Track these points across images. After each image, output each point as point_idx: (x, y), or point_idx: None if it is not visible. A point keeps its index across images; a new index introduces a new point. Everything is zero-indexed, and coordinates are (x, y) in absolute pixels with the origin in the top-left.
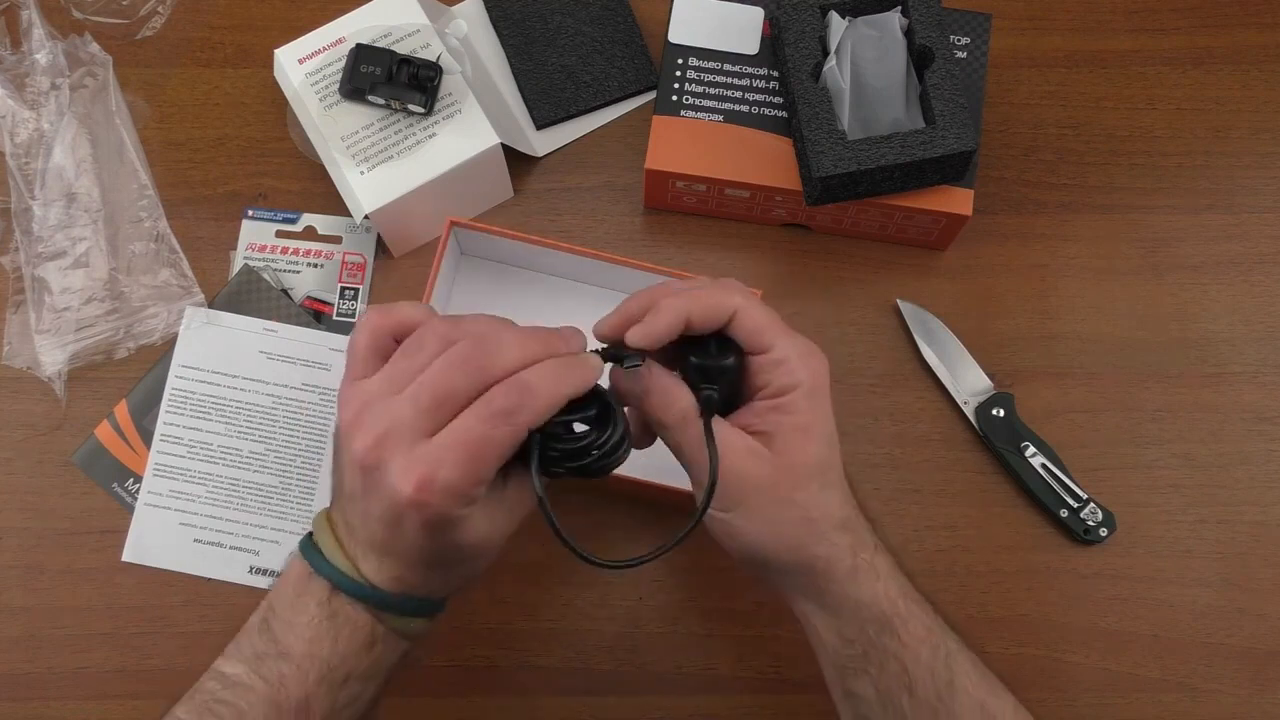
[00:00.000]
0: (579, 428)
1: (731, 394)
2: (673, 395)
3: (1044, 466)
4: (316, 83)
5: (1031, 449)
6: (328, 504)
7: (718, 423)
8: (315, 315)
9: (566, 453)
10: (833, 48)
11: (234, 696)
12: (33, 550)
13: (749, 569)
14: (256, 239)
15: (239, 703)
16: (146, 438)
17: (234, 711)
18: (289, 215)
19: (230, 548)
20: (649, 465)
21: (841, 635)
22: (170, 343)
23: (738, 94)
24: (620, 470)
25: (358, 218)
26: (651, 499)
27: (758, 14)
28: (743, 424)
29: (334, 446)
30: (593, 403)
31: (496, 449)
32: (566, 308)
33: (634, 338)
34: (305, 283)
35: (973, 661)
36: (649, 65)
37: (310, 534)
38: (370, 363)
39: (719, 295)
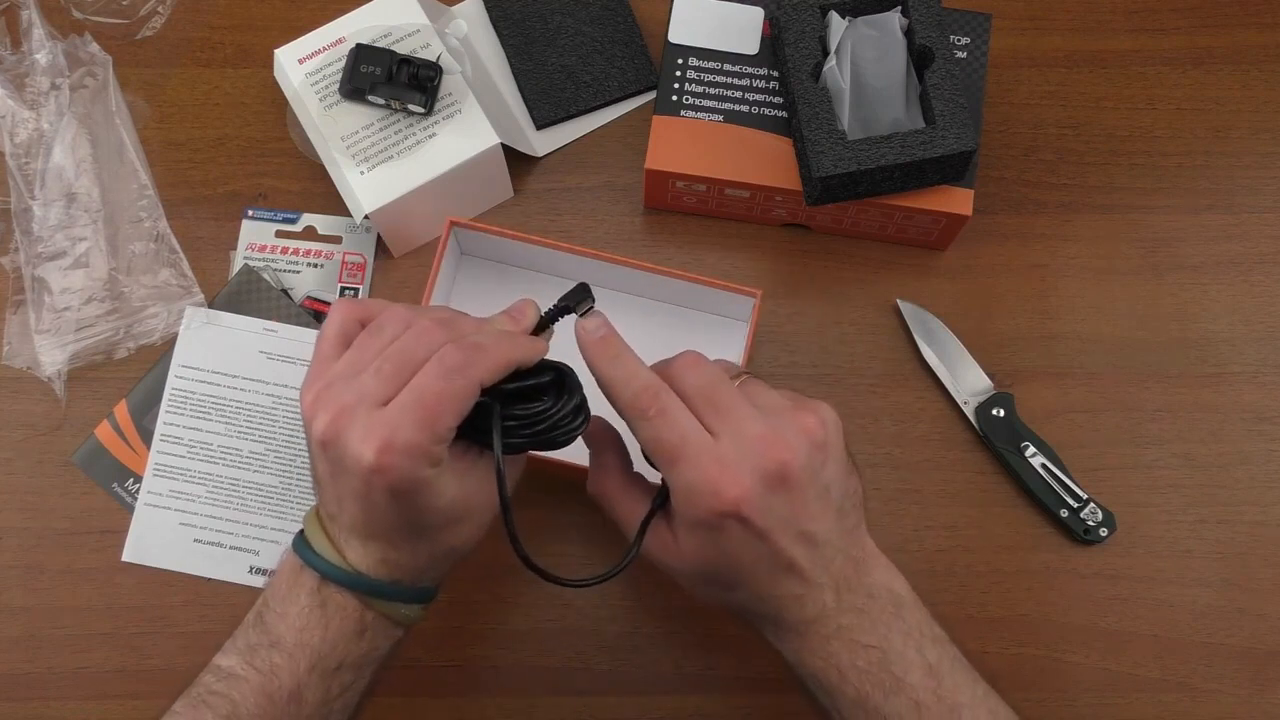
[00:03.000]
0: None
1: None
2: (633, 369)
3: (1044, 466)
4: (316, 83)
5: (1031, 449)
6: None
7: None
8: (315, 315)
9: (524, 419)
10: (833, 48)
11: (227, 688)
12: (33, 550)
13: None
14: (256, 239)
15: (232, 694)
16: (146, 438)
17: (227, 703)
18: (289, 215)
19: (230, 548)
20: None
21: (822, 690)
22: (170, 343)
23: (738, 94)
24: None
25: (358, 218)
26: None
27: (758, 14)
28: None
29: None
30: (550, 373)
31: (451, 403)
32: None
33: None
34: (305, 283)
35: (983, 698)
36: (649, 65)
37: (302, 530)
38: (337, 350)
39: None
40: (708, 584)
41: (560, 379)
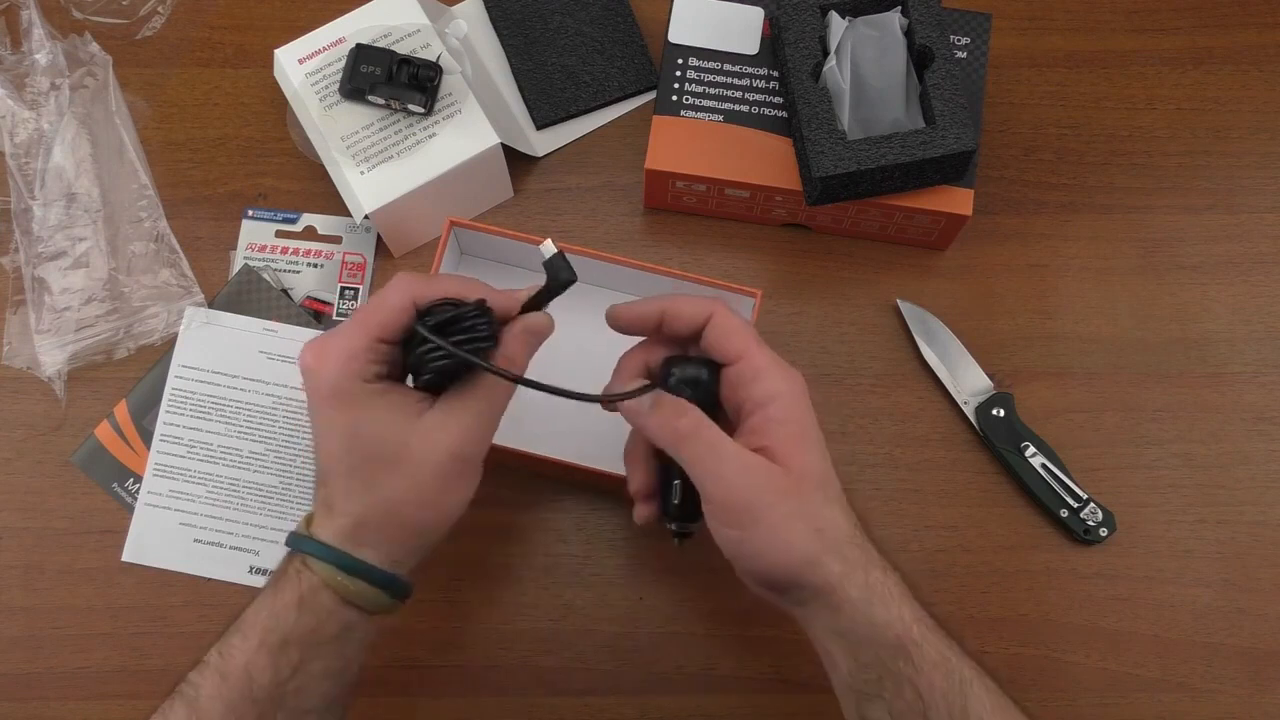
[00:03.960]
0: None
1: (707, 410)
2: (680, 407)
3: (1044, 466)
4: (316, 83)
5: (1031, 449)
6: None
7: (724, 439)
8: (315, 315)
9: (440, 325)
10: (833, 48)
11: (199, 677)
12: (33, 550)
13: (765, 592)
14: (256, 239)
15: (197, 680)
16: (146, 438)
17: (192, 689)
18: (289, 215)
19: (230, 548)
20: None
21: (857, 660)
22: (170, 343)
23: (738, 94)
24: (610, 468)
25: (358, 218)
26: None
27: (758, 14)
28: (742, 444)
29: None
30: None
31: (379, 311)
32: (566, 307)
33: (612, 313)
34: (305, 283)
35: (988, 689)
36: (649, 65)
37: None
38: None
39: (697, 300)
40: (813, 491)
41: (485, 312)
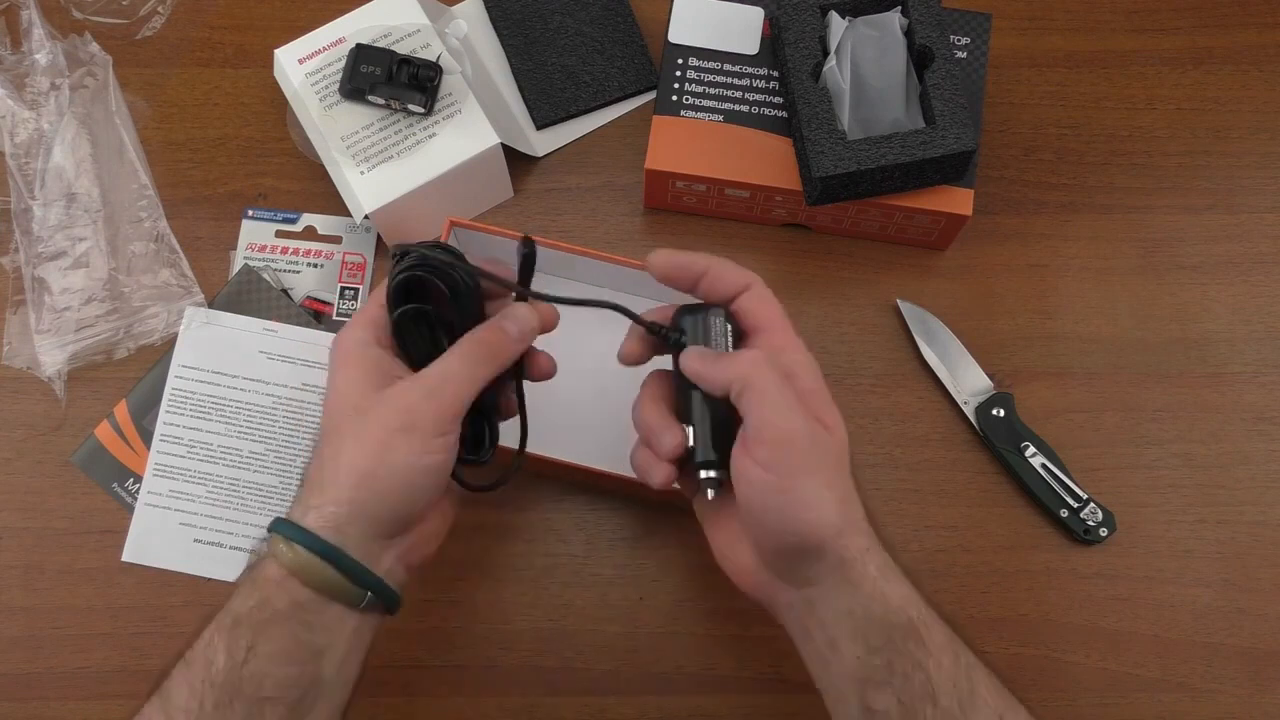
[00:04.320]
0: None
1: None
2: (737, 355)
3: (1044, 466)
4: (316, 83)
5: (1031, 449)
6: None
7: (778, 388)
8: (315, 315)
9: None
10: (833, 48)
11: (173, 666)
12: (33, 550)
13: (771, 553)
14: (256, 239)
15: (171, 670)
16: (146, 438)
17: (167, 680)
18: (289, 215)
19: (230, 548)
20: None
21: (867, 643)
22: (170, 343)
23: (738, 94)
24: (610, 468)
25: (358, 218)
26: (640, 496)
27: (758, 14)
28: None
29: None
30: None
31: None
32: (566, 307)
33: (654, 257)
34: (305, 283)
35: (989, 674)
36: (649, 65)
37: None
38: None
39: (740, 268)
40: (842, 458)
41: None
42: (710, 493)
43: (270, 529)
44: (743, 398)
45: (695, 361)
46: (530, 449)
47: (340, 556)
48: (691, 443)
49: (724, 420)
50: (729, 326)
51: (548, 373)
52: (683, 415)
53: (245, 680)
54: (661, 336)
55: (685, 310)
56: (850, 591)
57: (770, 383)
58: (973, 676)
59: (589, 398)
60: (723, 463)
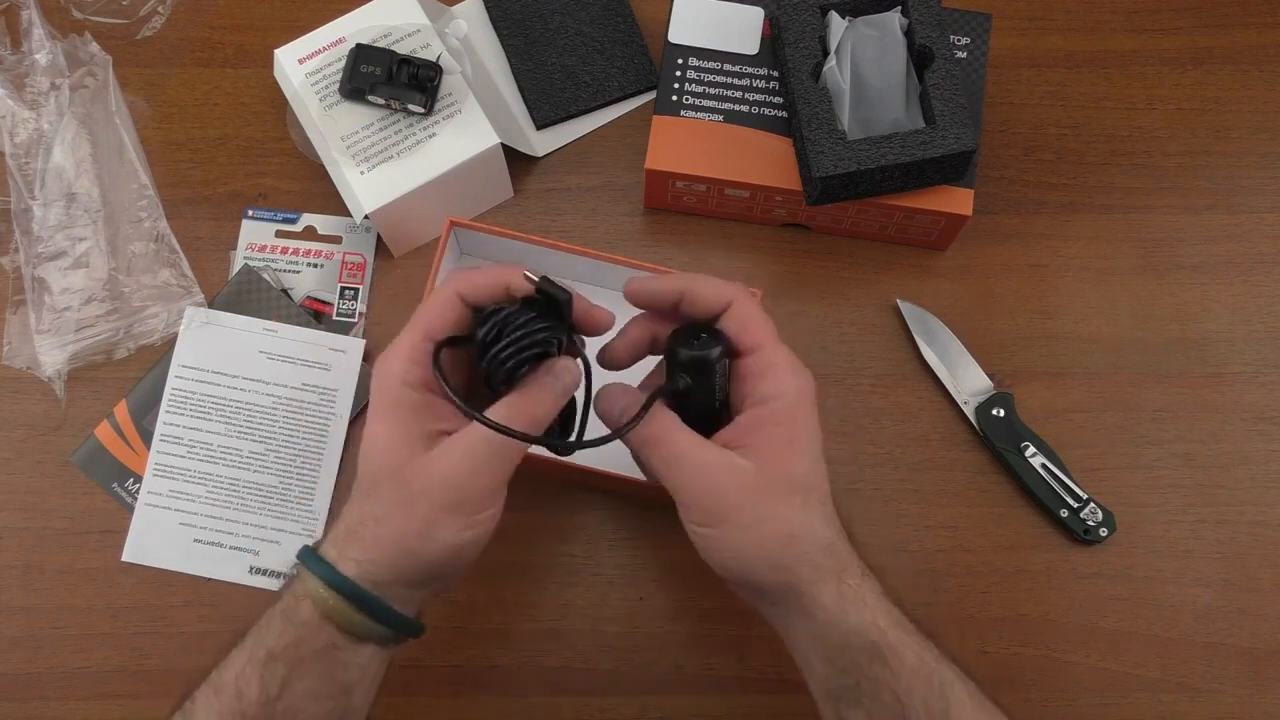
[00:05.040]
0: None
1: (708, 396)
2: (649, 418)
3: (1044, 466)
4: (316, 83)
5: (1031, 449)
6: (326, 505)
7: (697, 441)
8: (315, 315)
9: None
10: (833, 48)
11: (199, 690)
12: (33, 550)
13: (738, 589)
14: (256, 239)
15: (198, 694)
16: (146, 438)
17: (192, 704)
18: (289, 215)
19: (230, 548)
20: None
21: (833, 665)
22: (170, 343)
23: (738, 94)
24: (610, 468)
25: (358, 218)
26: (641, 496)
27: (758, 14)
28: (727, 439)
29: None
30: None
31: (429, 313)
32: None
33: (631, 286)
34: (305, 283)
35: (969, 692)
36: (649, 65)
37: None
38: None
39: (720, 283)
40: (790, 496)
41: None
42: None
43: (304, 563)
44: (654, 469)
45: (609, 415)
46: (530, 449)
47: (381, 609)
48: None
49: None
50: (705, 358)
51: (606, 325)
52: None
53: (278, 715)
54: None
55: (678, 336)
56: (808, 621)
57: (669, 451)
58: (948, 697)
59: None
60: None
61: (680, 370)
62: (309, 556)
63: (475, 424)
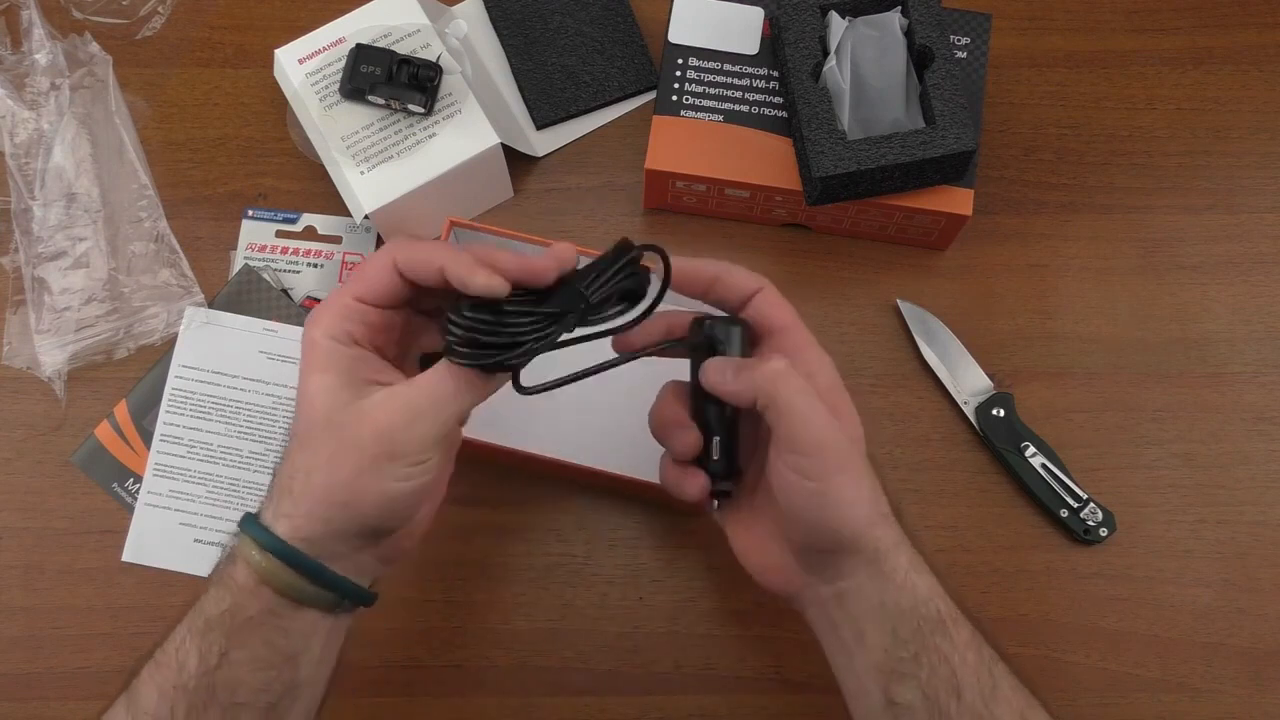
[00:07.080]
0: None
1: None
2: (767, 356)
3: (1044, 466)
4: (316, 83)
5: (1031, 449)
6: None
7: (806, 398)
8: None
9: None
10: (833, 48)
11: (141, 665)
12: (33, 550)
13: (808, 552)
14: (256, 239)
15: (140, 669)
16: (146, 438)
17: (136, 679)
18: (289, 215)
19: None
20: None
21: (896, 635)
22: (170, 343)
23: (738, 94)
24: (610, 468)
25: (358, 218)
26: (641, 496)
27: (758, 14)
28: None
29: None
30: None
31: (363, 277)
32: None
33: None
34: (305, 283)
35: (1009, 671)
36: (649, 65)
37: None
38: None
39: (750, 272)
40: (863, 457)
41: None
42: (715, 504)
43: (240, 526)
44: (770, 410)
45: (718, 375)
46: (530, 449)
47: (313, 567)
48: (716, 456)
49: (736, 432)
50: (746, 338)
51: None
52: (699, 426)
53: (219, 686)
54: (689, 347)
55: (703, 322)
56: (882, 584)
57: (798, 394)
58: (995, 672)
59: (590, 398)
60: (731, 474)
61: (708, 330)
62: (245, 519)
63: (417, 377)
